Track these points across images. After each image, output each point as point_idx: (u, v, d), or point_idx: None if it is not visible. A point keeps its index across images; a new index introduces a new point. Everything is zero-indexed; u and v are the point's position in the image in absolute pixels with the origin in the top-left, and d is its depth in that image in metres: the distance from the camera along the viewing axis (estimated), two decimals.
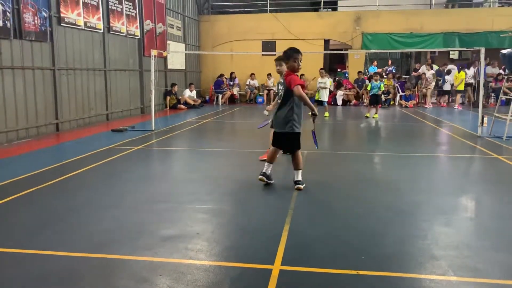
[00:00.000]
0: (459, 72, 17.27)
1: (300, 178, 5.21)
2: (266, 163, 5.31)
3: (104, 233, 3.89)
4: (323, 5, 20.07)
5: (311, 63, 15.74)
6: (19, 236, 3.82)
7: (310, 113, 5.13)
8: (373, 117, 13.22)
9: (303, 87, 4.93)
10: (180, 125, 11.57)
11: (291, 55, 5.09)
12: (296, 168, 5.23)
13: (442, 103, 17.95)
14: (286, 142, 5.22)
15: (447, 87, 17.74)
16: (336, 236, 3.86)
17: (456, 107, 16.96)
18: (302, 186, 5.14)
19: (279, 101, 5.26)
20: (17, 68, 8.96)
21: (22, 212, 4.48)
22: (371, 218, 4.29)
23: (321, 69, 13.92)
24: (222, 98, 18.54)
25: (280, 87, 5.26)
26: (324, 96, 13.63)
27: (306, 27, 19.06)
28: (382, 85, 13.93)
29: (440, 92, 18.38)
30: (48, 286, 2.97)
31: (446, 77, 17.64)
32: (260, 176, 5.26)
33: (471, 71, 17.26)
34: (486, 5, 20.52)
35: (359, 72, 18.61)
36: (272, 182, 5.38)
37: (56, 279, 3.06)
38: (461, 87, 17.11)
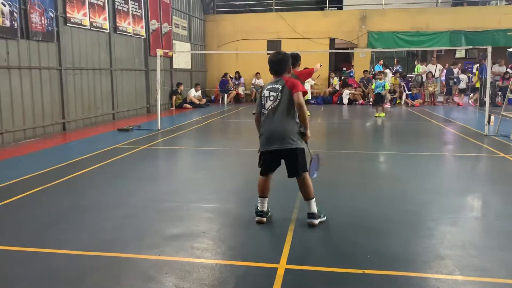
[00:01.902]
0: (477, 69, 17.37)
1: (315, 210, 4.06)
2: (259, 199, 4.21)
3: (110, 232, 3.92)
4: (328, 4, 20.03)
5: (317, 62, 15.68)
6: (26, 235, 3.85)
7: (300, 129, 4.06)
8: (379, 116, 13.19)
9: (304, 94, 4.07)
10: (186, 125, 11.60)
11: (290, 64, 4.19)
12: (308, 197, 4.08)
13: (459, 101, 17.82)
14: (290, 162, 4.09)
15: (462, 85, 17.70)
16: (342, 235, 3.86)
17: (471, 104, 17.09)
18: (317, 222, 4.02)
19: (271, 111, 4.05)
20: (24, 68, 9.02)
21: (29, 211, 4.52)
22: (377, 217, 4.28)
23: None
24: (227, 98, 18.56)
25: (272, 93, 4.05)
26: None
27: (312, 26, 19.03)
28: (386, 84, 13.88)
29: (448, 91, 18.26)
30: (54, 285, 3.00)
31: (461, 75, 17.58)
32: (257, 218, 4.15)
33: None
34: (493, 3, 20.39)
35: (365, 71, 18.54)
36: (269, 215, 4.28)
37: (63, 277, 3.08)
38: (478, 84, 17.05)
